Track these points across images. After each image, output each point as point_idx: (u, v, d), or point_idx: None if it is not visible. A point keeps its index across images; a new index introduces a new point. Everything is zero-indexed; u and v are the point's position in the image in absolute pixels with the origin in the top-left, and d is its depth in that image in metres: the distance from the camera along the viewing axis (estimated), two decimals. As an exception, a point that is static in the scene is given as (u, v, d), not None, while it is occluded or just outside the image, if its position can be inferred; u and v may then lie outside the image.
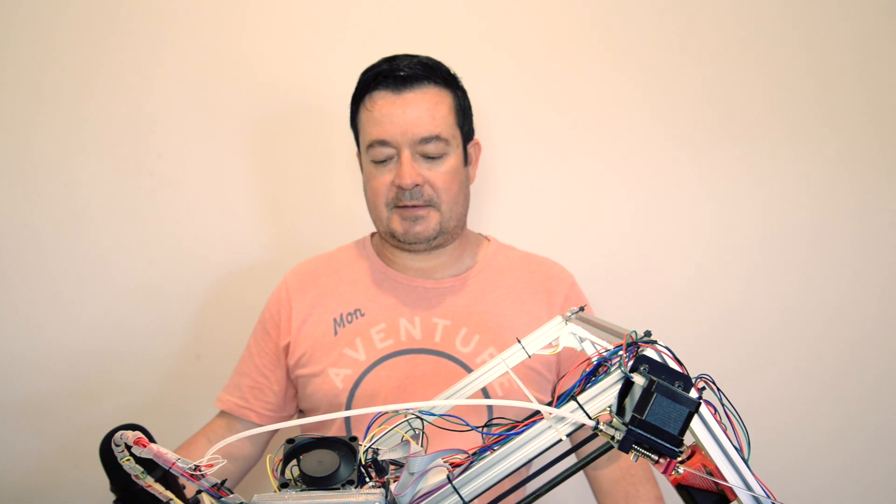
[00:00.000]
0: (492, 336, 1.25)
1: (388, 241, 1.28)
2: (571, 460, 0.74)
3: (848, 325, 1.59)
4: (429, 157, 1.21)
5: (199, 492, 0.62)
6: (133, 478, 0.64)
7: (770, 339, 1.60)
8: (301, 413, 1.35)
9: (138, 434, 0.64)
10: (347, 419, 1.21)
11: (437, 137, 1.20)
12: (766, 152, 1.59)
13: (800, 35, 1.58)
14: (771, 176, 1.59)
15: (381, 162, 1.21)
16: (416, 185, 1.20)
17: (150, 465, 0.65)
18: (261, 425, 1.30)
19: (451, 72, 1.26)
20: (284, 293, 1.31)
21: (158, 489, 0.64)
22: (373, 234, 1.38)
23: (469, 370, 1.22)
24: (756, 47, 1.58)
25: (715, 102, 1.59)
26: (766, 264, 1.59)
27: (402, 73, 1.20)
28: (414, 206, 1.21)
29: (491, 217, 1.58)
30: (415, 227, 1.22)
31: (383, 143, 1.20)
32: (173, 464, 0.61)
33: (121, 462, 0.64)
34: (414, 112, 1.19)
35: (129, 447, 0.63)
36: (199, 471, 0.61)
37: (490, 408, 1.18)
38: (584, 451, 1.00)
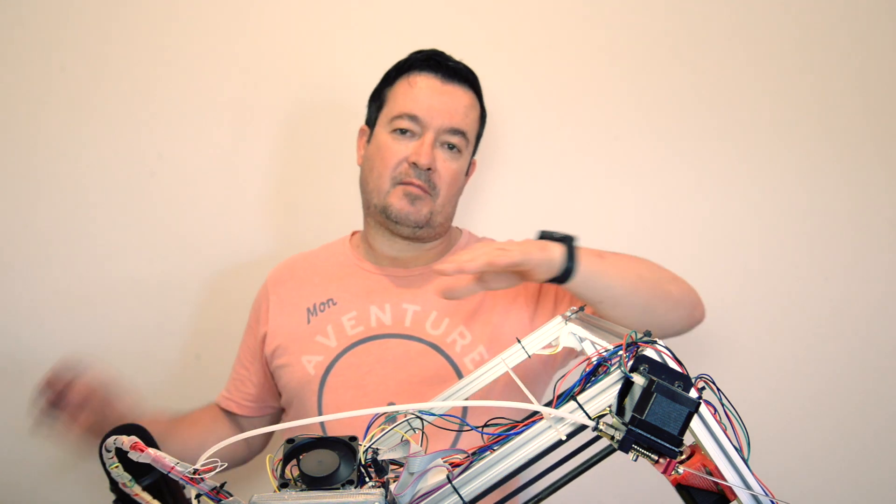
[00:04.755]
0: (462, 316, 1.26)
1: (375, 218, 1.29)
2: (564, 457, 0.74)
3: (845, 324, 1.59)
4: (448, 149, 1.25)
5: (198, 495, 0.62)
6: (120, 486, 0.63)
7: (766, 338, 1.60)
8: (282, 411, 1.37)
9: (134, 439, 0.63)
10: (320, 412, 1.22)
11: (462, 133, 1.25)
12: (763, 150, 1.59)
13: (796, 33, 1.58)
14: (767, 174, 1.59)
15: (402, 135, 1.24)
16: (429, 169, 1.23)
17: (146, 468, 0.64)
18: (240, 415, 1.36)
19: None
20: (264, 288, 1.36)
21: (146, 498, 0.64)
22: (353, 234, 1.40)
23: (440, 351, 1.24)
24: (753, 45, 1.58)
25: (711, 101, 1.59)
26: (762, 263, 1.59)
27: (451, 65, 1.26)
28: (419, 186, 1.24)
29: (481, 214, 1.59)
30: (410, 207, 1.24)
31: (414, 118, 1.23)
32: (172, 468, 0.61)
33: (109, 469, 0.63)
34: (452, 104, 1.24)
35: (125, 452, 0.63)
36: (198, 475, 0.61)
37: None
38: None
